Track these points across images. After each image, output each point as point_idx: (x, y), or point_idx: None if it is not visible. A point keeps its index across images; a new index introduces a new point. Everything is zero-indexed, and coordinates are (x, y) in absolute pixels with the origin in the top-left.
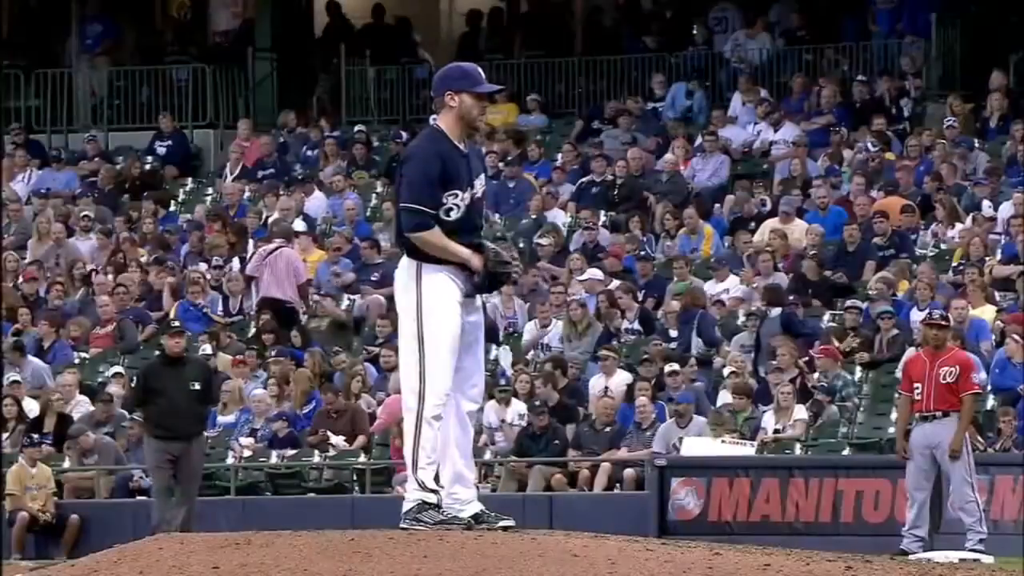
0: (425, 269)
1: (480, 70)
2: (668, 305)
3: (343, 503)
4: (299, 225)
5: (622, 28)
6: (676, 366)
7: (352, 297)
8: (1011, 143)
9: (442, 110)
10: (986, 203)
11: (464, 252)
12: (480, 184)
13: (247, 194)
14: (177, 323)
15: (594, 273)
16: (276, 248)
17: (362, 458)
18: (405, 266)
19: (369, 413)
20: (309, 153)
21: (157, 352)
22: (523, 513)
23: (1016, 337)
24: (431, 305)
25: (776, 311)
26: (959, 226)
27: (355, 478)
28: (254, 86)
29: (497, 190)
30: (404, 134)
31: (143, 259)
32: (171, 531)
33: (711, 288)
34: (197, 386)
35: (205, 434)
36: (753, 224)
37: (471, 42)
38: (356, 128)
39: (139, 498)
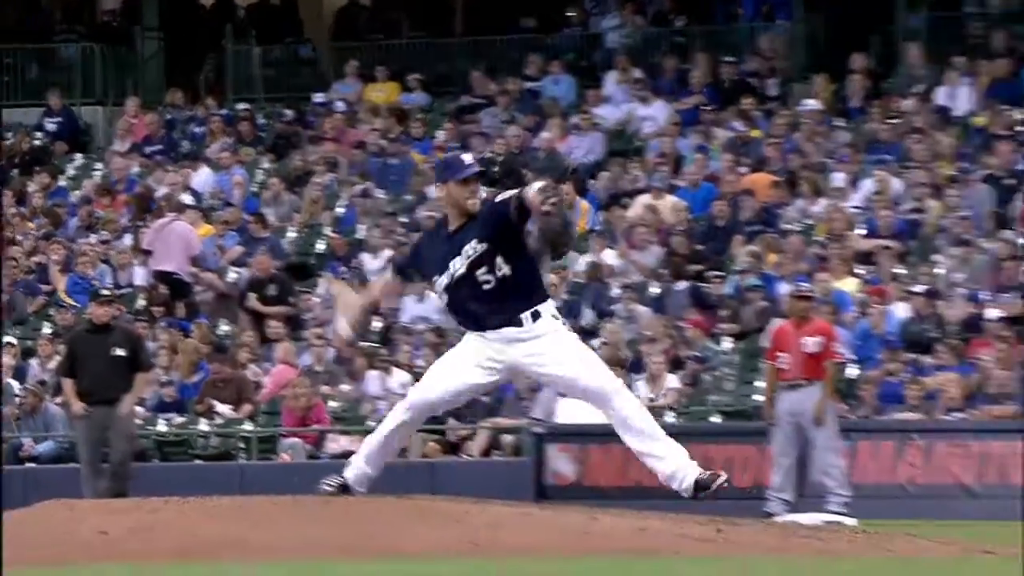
0: None
1: (463, 158)
2: (546, 277)
3: (231, 470)
4: (186, 199)
5: (501, 10)
6: None
7: (238, 270)
8: (872, 122)
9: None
10: (845, 179)
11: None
12: (462, 260)
13: (136, 169)
14: (107, 292)
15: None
16: (169, 221)
17: (248, 426)
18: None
19: (255, 383)
20: (196, 130)
21: (85, 321)
22: (405, 480)
23: (878, 308)
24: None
25: (683, 284)
26: (823, 202)
27: (243, 446)
28: (142, 64)
29: (379, 168)
30: (289, 112)
31: (33, 233)
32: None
33: (588, 261)
34: (123, 353)
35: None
36: (627, 199)
37: (350, 22)
38: (241, 106)
39: (28, 465)
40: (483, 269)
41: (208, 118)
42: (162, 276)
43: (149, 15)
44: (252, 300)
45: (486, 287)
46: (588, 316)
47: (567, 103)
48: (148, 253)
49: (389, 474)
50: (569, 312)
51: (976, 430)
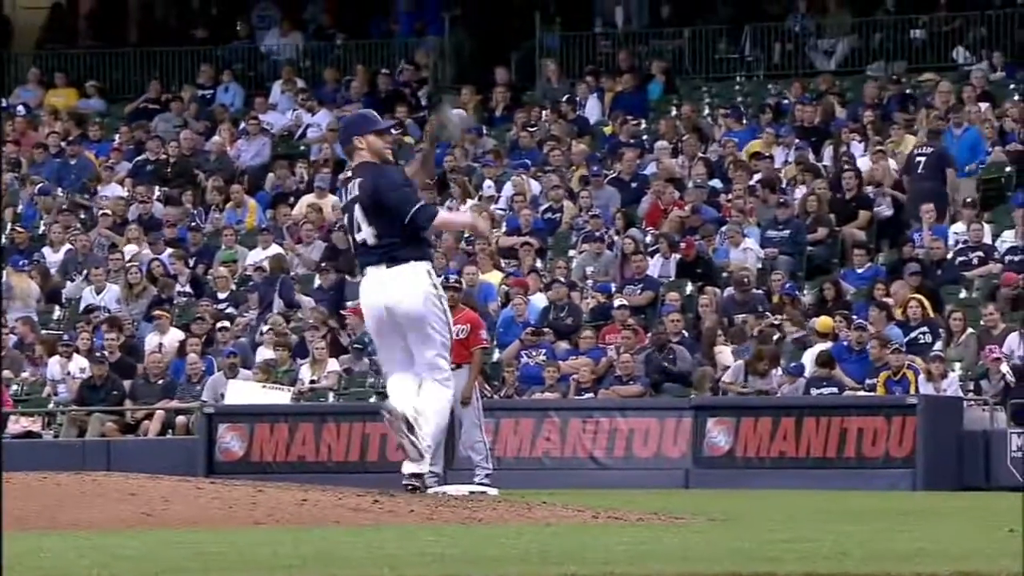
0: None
1: (373, 113)
2: (216, 270)
3: None
4: None
5: (172, 21)
6: (227, 323)
7: None
8: (514, 130)
9: (355, 153)
10: (489, 183)
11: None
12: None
13: None
14: None
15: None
16: None
17: None
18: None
19: None
20: None
21: None
22: (83, 457)
23: (520, 299)
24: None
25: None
26: (470, 202)
27: None
28: None
29: (59, 168)
30: None
31: None
32: None
33: (256, 256)
34: None
35: None
36: (292, 199)
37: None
38: None
39: None
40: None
41: None
42: None
43: None
44: None
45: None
46: (278, 305)
47: (236, 110)
48: None
49: (68, 453)
50: (261, 302)
51: (605, 408)
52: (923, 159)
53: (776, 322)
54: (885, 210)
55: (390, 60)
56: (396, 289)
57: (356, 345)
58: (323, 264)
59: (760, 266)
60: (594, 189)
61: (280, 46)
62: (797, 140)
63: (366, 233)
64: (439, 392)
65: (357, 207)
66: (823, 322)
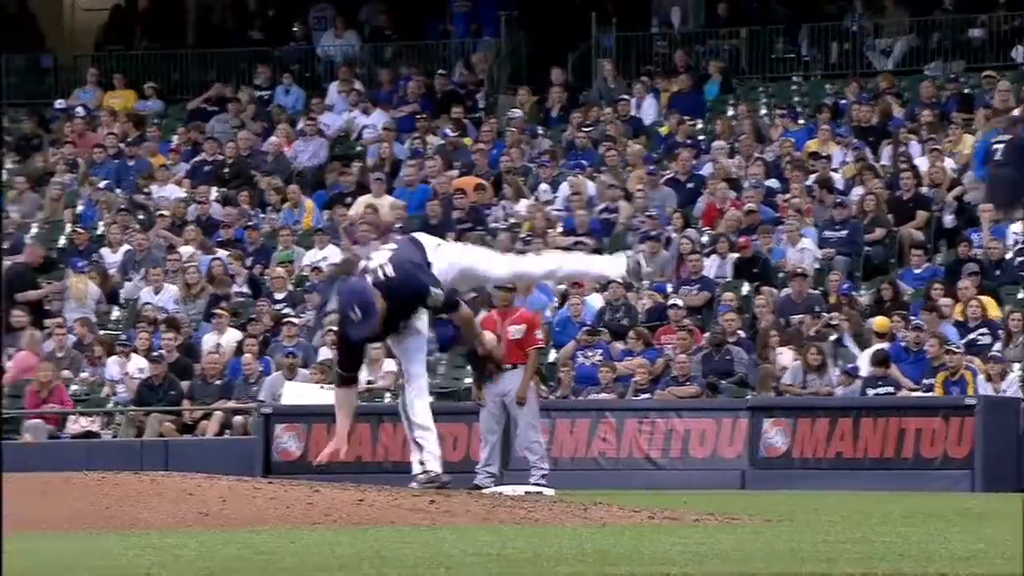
0: None
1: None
2: (273, 270)
3: None
4: None
5: (229, 23)
6: (291, 321)
7: None
8: (569, 130)
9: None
10: (545, 184)
11: None
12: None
13: None
14: None
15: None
16: None
17: None
18: None
19: None
20: None
21: None
22: (141, 457)
23: (577, 299)
24: None
25: None
26: (524, 202)
27: None
28: None
29: (118, 168)
30: (31, 117)
31: None
32: None
33: (312, 256)
34: None
35: None
36: (349, 199)
37: (90, 33)
38: None
39: None
40: None
41: None
42: None
43: None
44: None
45: None
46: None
47: (295, 111)
48: None
49: (126, 453)
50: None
51: (661, 408)
52: (1000, 147)
53: (833, 322)
54: (947, 217)
55: (446, 61)
56: None
57: None
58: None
59: (817, 266)
60: (650, 189)
61: (336, 47)
62: (855, 140)
63: None
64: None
65: None
66: (880, 322)
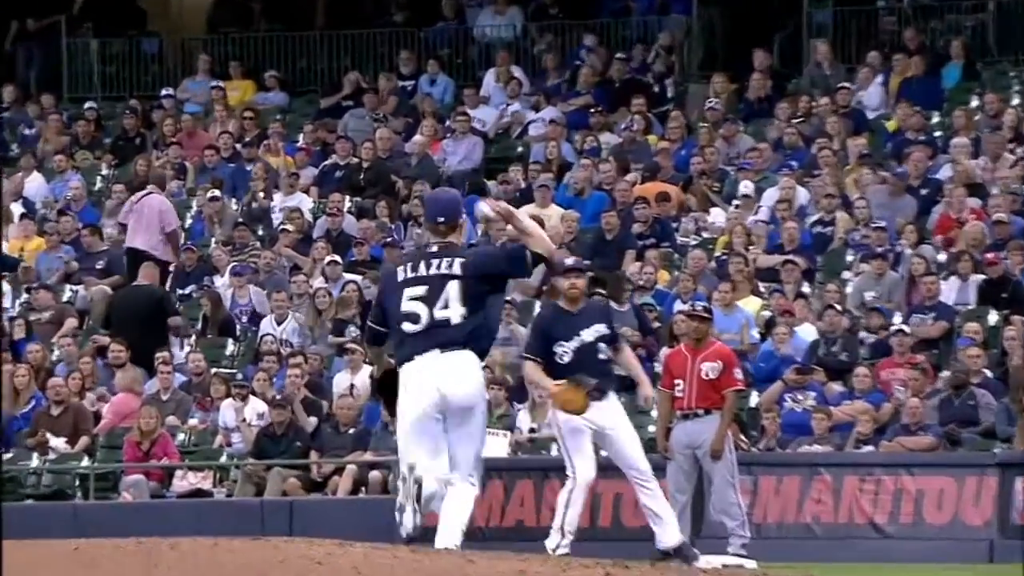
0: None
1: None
2: None
3: (64, 510)
4: (17, 209)
5: (366, 1)
6: None
7: (74, 288)
8: (775, 125)
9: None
10: (748, 187)
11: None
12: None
13: None
14: None
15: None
16: (146, 194)
17: (85, 461)
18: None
19: (93, 412)
20: (27, 132)
21: None
22: (261, 520)
23: (784, 329)
24: None
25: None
26: (719, 212)
27: (77, 483)
28: None
29: (233, 173)
30: (131, 112)
31: None
32: None
33: None
34: None
35: None
36: None
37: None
38: (87, 105)
39: None
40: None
41: (42, 117)
42: (134, 253)
43: None
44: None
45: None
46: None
47: (444, 104)
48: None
49: (245, 514)
50: None
51: (888, 464)
52: None
53: None
54: None
55: (626, 43)
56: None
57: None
58: (544, 288)
59: None
60: (875, 196)
61: (494, 27)
62: None
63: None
64: (470, 493)
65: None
66: None
